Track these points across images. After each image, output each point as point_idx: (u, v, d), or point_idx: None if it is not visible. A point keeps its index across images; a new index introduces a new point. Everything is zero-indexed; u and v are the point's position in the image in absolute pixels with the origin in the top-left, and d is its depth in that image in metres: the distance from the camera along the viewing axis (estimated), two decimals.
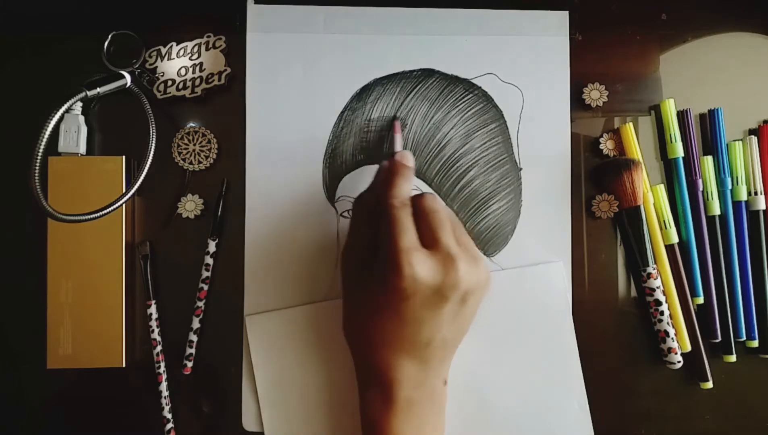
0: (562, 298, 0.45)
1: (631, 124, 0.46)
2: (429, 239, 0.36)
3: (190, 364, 0.44)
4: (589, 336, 0.45)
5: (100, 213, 0.38)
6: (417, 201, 0.37)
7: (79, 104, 0.44)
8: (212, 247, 0.44)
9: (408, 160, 0.39)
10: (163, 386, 0.44)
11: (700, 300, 0.46)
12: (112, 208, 0.39)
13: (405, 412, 0.37)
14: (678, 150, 0.45)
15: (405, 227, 0.35)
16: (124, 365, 0.43)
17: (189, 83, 0.44)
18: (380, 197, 0.37)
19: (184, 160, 0.45)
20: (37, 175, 0.34)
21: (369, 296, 0.37)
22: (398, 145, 0.43)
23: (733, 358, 0.45)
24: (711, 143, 0.46)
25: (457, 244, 0.36)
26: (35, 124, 0.35)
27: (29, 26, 0.45)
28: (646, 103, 0.47)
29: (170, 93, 0.44)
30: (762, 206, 0.46)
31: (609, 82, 0.46)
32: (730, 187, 0.46)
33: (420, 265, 0.34)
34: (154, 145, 0.43)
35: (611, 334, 0.46)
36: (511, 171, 0.46)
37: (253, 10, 0.45)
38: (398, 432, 0.37)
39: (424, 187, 0.45)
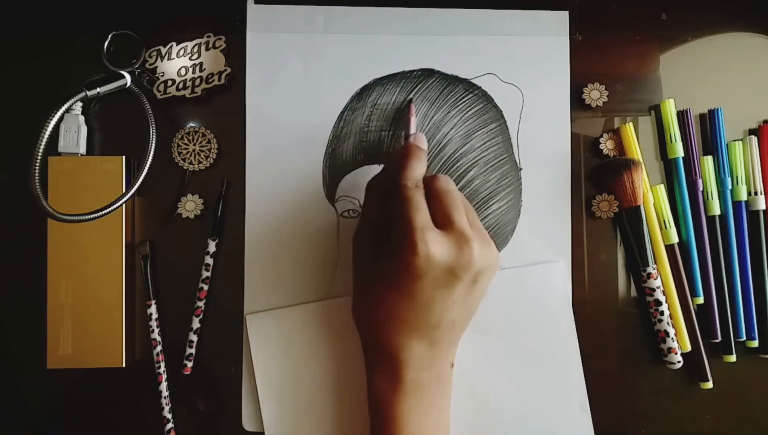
0: (562, 297, 0.45)
1: (631, 124, 0.46)
2: (442, 220, 0.36)
3: (190, 364, 0.44)
4: (589, 336, 0.45)
5: (100, 213, 0.38)
6: (430, 182, 0.37)
7: (79, 104, 0.44)
8: (212, 247, 0.44)
9: (422, 142, 0.40)
10: (163, 386, 0.44)
11: (700, 300, 0.46)
12: (112, 208, 0.39)
13: (412, 393, 0.37)
14: (678, 150, 0.45)
15: (418, 207, 0.35)
16: (124, 365, 0.43)
17: (189, 83, 0.44)
18: (394, 178, 0.37)
19: (184, 160, 0.45)
20: (37, 175, 0.34)
21: (380, 277, 0.37)
22: (413, 127, 0.44)
23: (733, 358, 0.45)
24: (711, 143, 0.46)
25: (470, 225, 0.36)
26: (35, 124, 0.35)
27: (29, 26, 0.45)
28: (646, 103, 0.47)
29: (170, 93, 0.44)
30: (762, 206, 0.46)
31: (609, 82, 0.46)
32: (730, 187, 0.46)
33: (434, 244, 0.34)
34: (154, 145, 0.43)
35: (611, 334, 0.46)
36: (511, 171, 0.46)
37: (253, 10, 0.45)
38: (405, 413, 0.37)
39: None
